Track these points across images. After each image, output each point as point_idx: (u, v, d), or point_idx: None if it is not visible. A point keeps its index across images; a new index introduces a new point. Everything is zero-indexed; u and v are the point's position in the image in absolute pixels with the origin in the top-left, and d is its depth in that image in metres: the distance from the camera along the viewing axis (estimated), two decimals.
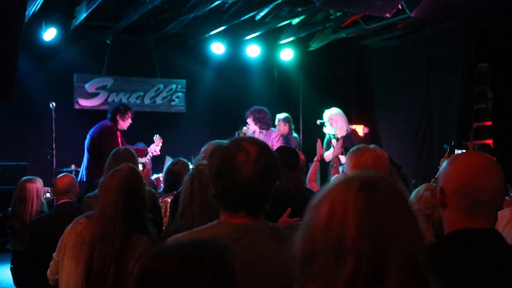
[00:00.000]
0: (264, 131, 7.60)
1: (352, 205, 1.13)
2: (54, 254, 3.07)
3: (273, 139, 7.58)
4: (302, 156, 5.07)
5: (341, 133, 7.58)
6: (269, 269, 1.87)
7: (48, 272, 3.10)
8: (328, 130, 7.55)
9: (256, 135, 7.47)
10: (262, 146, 1.93)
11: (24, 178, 5.31)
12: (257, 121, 7.59)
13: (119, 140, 7.17)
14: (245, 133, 7.82)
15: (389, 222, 1.12)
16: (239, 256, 1.85)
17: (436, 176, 3.78)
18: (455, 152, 3.85)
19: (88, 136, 7.23)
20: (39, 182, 5.23)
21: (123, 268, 2.80)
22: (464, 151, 3.81)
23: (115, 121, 7.27)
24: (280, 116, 8.28)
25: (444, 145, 4.34)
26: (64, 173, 4.79)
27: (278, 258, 1.82)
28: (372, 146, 3.18)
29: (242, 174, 1.86)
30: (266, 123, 7.64)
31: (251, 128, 7.62)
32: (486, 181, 1.80)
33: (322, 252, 1.13)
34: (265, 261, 1.89)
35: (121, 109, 7.32)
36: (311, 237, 1.16)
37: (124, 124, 7.33)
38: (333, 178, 2.31)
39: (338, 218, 1.13)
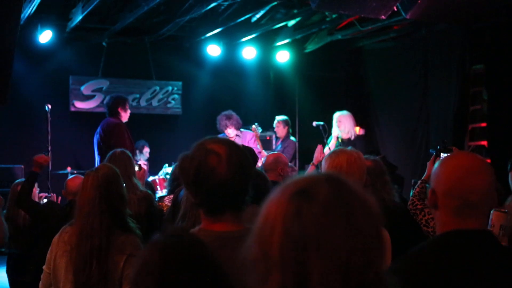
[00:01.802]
0: (240, 134, 7.72)
1: (281, 215, 1.08)
2: (44, 267, 3.07)
3: (249, 141, 7.70)
4: (282, 158, 5.12)
5: (347, 136, 7.61)
6: None
7: (40, 284, 3.10)
8: (334, 131, 7.59)
9: (233, 139, 7.53)
10: (228, 143, 1.95)
11: (17, 181, 5.31)
12: (237, 125, 7.71)
13: (127, 135, 7.07)
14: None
15: (316, 235, 1.06)
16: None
17: (422, 177, 3.82)
18: (441, 156, 3.91)
19: (97, 135, 7.12)
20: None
21: (107, 265, 2.81)
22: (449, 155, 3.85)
23: (117, 115, 7.04)
24: (280, 118, 8.31)
25: (430, 150, 4.37)
26: (75, 175, 4.86)
27: None
28: (349, 148, 3.22)
29: (219, 176, 1.86)
30: (241, 124, 7.80)
31: (231, 133, 7.68)
32: (477, 183, 1.80)
33: (257, 262, 1.10)
34: None
35: (120, 101, 7.14)
36: (252, 245, 1.12)
37: (126, 115, 7.11)
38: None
39: (268, 228, 1.09)
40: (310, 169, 5.10)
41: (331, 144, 7.53)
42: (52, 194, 5.58)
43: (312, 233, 1.06)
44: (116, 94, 7.58)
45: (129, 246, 2.87)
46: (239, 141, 7.53)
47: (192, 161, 1.91)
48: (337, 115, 7.68)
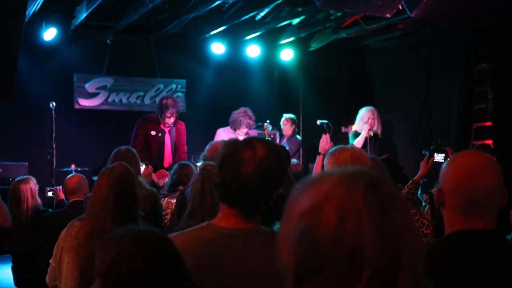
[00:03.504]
0: (248, 133, 7.72)
1: (364, 209, 1.00)
2: (51, 261, 3.07)
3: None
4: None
5: (376, 132, 7.63)
6: (258, 278, 1.86)
7: (47, 278, 3.10)
8: (360, 126, 7.57)
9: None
10: (271, 149, 1.93)
11: (17, 179, 5.33)
12: (252, 125, 7.72)
13: (149, 133, 7.19)
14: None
15: (400, 226, 1.02)
16: (226, 265, 1.85)
17: (414, 178, 3.80)
18: (434, 156, 3.90)
19: None
20: (32, 182, 5.25)
21: None
22: (443, 155, 3.84)
23: (157, 116, 7.29)
24: (288, 115, 8.37)
25: (423, 151, 4.37)
26: (73, 173, 4.88)
27: (268, 266, 1.77)
28: (349, 145, 3.22)
29: (243, 170, 1.87)
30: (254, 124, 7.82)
31: (242, 132, 7.65)
32: (481, 181, 1.79)
33: (331, 263, 0.99)
34: (255, 269, 1.87)
35: (159, 106, 7.33)
36: (314, 246, 1.01)
37: (163, 120, 7.24)
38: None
39: (352, 223, 0.99)
40: (318, 160, 4.98)
41: (360, 141, 7.46)
42: (56, 187, 5.58)
43: (400, 227, 1.02)
44: (166, 97, 7.66)
45: None
46: None
47: (232, 145, 1.94)
48: (370, 110, 7.63)
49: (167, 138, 7.28)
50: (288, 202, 1.10)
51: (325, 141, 5.22)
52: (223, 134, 7.58)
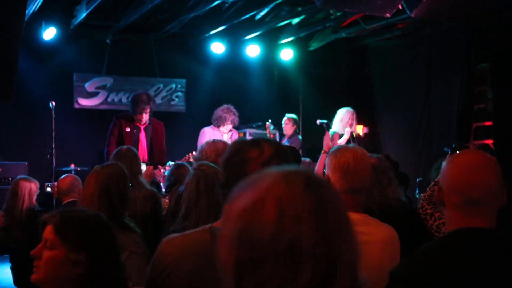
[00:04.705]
0: (232, 130, 7.70)
1: (304, 205, 1.01)
2: None
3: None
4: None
5: (357, 132, 7.65)
6: None
7: None
8: (341, 128, 7.59)
9: (226, 135, 7.55)
10: (279, 150, 1.88)
11: (20, 176, 5.35)
12: (236, 121, 7.72)
13: (123, 130, 7.16)
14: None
15: (336, 223, 1.03)
16: None
17: (436, 179, 3.70)
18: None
19: None
20: (34, 184, 5.28)
21: None
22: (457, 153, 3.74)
23: (132, 114, 7.22)
24: (290, 115, 8.43)
25: (445, 149, 4.28)
26: (66, 174, 4.89)
27: None
28: (351, 145, 3.18)
29: (248, 170, 1.81)
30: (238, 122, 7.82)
31: (226, 129, 7.65)
32: (479, 179, 1.80)
33: (271, 258, 0.99)
34: None
35: (131, 101, 7.26)
36: (254, 242, 1.01)
37: (135, 116, 7.16)
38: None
39: (291, 219, 1.00)
40: (321, 157, 4.96)
41: (343, 140, 7.50)
42: (54, 183, 5.61)
43: (336, 224, 1.04)
44: (139, 93, 7.50)
45: (130, 244, 2.87)
46: (227, 137, 7.57)
47: (239, 144, 1.90)
48: (350, 112, 7.65)
49: (142, 135, 7.24)
50: (228, 201, 1.10)
51: (328, 139, 5.20)
52: (209, 133, 7.59)
